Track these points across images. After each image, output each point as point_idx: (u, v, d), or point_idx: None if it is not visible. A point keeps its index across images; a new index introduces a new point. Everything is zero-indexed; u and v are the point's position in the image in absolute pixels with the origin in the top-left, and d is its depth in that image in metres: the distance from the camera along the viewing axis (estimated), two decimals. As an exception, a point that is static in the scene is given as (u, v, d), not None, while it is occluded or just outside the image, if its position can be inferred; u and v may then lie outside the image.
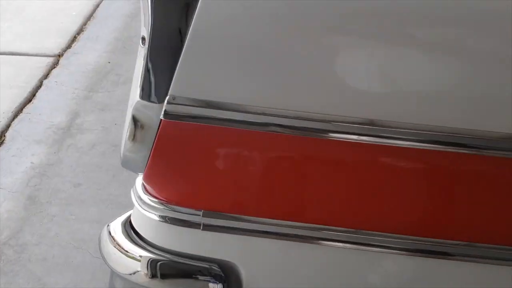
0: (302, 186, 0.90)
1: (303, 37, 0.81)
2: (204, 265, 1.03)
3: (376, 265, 0.99)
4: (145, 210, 1.01)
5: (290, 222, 0.94)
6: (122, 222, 1.14)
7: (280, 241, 0.97)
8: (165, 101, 0.84)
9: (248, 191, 0.93)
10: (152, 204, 1.00)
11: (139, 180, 1.04)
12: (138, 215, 1.05)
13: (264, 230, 0.96)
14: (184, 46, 0.80)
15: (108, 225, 1.16)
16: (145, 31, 0.83)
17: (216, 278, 1.05)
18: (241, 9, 0.79)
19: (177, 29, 0.82)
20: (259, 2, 0.79)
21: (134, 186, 1.05)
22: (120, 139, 1.45)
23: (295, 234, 0.94)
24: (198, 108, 0.84)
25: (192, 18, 0.79)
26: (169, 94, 0.84)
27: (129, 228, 1.13)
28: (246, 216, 0.95)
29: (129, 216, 1.15)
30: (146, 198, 1.01)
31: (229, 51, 0.81)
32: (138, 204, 1.02)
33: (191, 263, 1.04)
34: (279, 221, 0.94)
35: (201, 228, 0.97)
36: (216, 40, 0.81)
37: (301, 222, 0.93)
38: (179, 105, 0.84)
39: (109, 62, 3.16)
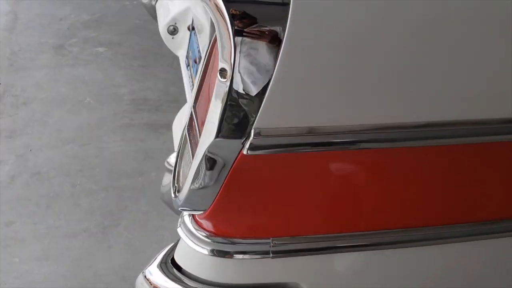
0: (380, 193, 0.94)
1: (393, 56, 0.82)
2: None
3: (428, 258, 1.06)
4: (200, 246, 0.98)
5: (359, 232, 0.97)
6: (157, 265, 1.10)
7: (342, 253, 1.00)
8: (251, 135, 0.82)
9: (325, 209, 0.95)
10: (210, 240, 0.97)
11: (188, 217, 1.00)
12: (189, 253, 1.02)
13: (330, 245, 0.98)
14: (273, 77, 0.78)
15: (143, 272, 1.10)
16: (226, 64, 0.79)
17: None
18: (328, 34, 0.78)
19: (262, 59, 0.79)
20: (346, 26, 0.79)
21: (182, 224, 1.01)
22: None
23: (363, 244, 0.98)
24: (284, 137, 0.83)
25: (278, 47, 0.77)
26: (254, 127, 0.81)
27: (166, 269, 1.09)
28: (316, 235, 0.97)
29: (165, 257, 1.11)
30: (200, 234, 0.98)
31: (321, 75, 0.81)
32: (192, 241, 0.99)
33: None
34: (347, 233, 0.97)
35: (271, 256, 0.96)
36: (306, 65, 0.79)
37: (371, 230, 0.97)
38: (264, 137, 0.82)
39: (0, 84, 2.90)
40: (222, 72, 0.80)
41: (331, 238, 0.96)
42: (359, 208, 0.94)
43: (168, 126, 2.65)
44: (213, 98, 0.82)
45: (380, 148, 0.87)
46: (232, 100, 0.80)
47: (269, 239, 0.96)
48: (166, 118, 2.72)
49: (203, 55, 0.90)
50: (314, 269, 1.01)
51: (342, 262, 1.01)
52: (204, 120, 0.87)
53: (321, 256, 0.99)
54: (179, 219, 1.04)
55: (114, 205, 2.24)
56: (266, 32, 0.77)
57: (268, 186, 0.90)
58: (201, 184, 0.89)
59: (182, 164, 0.98)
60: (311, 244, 0.96)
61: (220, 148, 0.84)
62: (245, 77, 0.79)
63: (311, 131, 0.83)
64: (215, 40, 0.86)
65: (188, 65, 2.21)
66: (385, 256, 1.00)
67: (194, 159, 0.89)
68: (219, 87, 0.81)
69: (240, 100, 0.80)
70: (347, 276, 1.05)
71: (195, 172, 0.89)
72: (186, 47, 2.26)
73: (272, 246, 0.96)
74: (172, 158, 1.54)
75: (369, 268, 1.03)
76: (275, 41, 0.77)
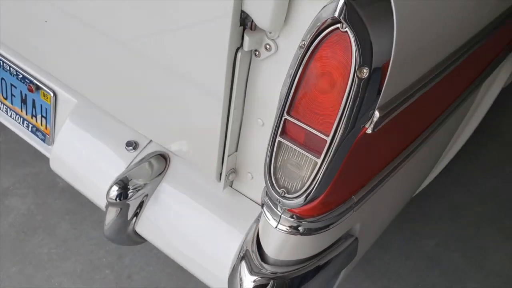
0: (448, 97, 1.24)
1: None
2: (347, 241, 1.25)
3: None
4: (307, 234, 1.05)
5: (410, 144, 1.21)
6: (253, 282, 1.14)
7: (387, 181, 1.19)
8: (376, 115, 0.88)
9: (410, 136, 1.17)
10: (313, 221, 1.04)
11: (289, 217, 1.04)
12: (295, 244, 1.09)
13: (388, 172, 1.16)
14: (393, 52, 0.83)
15: None
16: (365, 64, 0.82)
17: (354, 241, 1.28)
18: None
19: (385, 42, 0.83)
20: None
21: (282, 220, 1.04)
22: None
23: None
24: (402, 98, 0.93)
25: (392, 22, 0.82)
26: (377, 107, 0.87)
27: (260, 272, 1.14)
28: (382, 170, 1.14)
29: (250, 269, 1.15)
30: (306, 222, 1.04)
31: (429, 25, 0.94)
32: (297, 231, 1.04)
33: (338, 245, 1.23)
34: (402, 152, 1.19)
35: (354, 211, 1.10)
36: (416, 32, 0.89)
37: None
38: (387, 111, 0.90)
39: None
40: (361, 72, 0.83)
41: (393, 163, 1.15)
42: (427, 120, 1.21)
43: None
44: (350, 99, 0.85)
45: (461, 61, 1.11)
46: (370, 92, 0.85)
47: (352, 197, 1.07)
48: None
49: (292, 71, 0.90)
50: (368, 204, 1.16)
51: (386, 188, 1.19)
52: (323, 122, 0.91)
53: (378, 188, 1.14)
54: (270, 220, 1.04)
55: (-21, 285, 1.92)
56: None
57: (374, 150, 1.01)
58: (328, 177, 0.94)
59: (288, 167, 0.99)
60: (378, 182, 1.12)
61: (351, 138, 0.90)
62: (379, 67, 0.83)
63: (427, 75, 0.99)
64: (306, 51, 0.87)
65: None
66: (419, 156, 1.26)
67: (324, 157, 0.92)
68: (358, 87, 0.84)
69: (372, 89, 0.85)
70: (388, 201, 1.31)
71: (325, 169, 0.92)
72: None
73: (355, 202, 1.07)
74: (112, 192, 1.44)
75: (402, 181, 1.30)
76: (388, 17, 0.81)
